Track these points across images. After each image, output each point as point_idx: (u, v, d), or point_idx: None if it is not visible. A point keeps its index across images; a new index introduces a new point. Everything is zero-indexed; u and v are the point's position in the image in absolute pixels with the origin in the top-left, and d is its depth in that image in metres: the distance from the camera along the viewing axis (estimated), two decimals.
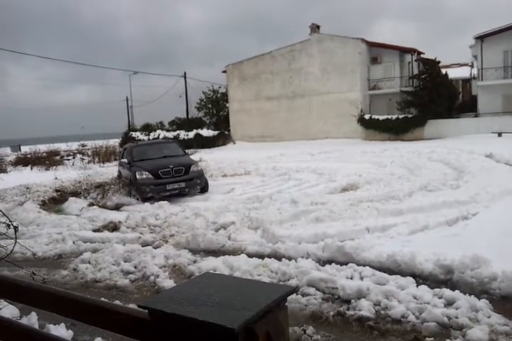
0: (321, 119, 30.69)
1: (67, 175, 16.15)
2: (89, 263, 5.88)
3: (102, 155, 23.24)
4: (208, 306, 1.19)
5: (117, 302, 4.22)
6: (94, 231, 7.85)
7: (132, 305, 3.46)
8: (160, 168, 10.97)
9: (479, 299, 3.96)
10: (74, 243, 6.97)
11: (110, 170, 17.14)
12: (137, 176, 10.76)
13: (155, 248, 6.37)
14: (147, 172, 10.83)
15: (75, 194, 12.64)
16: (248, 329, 1.13)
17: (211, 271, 4.96)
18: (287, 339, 1.36)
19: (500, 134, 22.94)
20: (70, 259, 6.30)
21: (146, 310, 1.23)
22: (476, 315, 3.72)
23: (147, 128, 38.11)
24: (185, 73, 40.04)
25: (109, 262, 5.77)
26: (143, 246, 6.44)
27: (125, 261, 5.80)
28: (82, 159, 24.24)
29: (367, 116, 28.83)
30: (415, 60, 30.09)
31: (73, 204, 10.91)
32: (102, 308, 1.45)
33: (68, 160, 24.69)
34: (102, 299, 3.94)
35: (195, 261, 5.60)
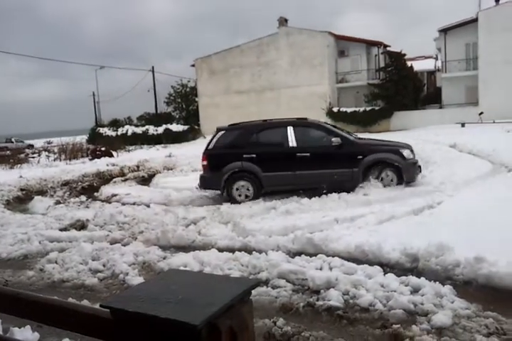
0: (291, 112, 30.70)
1: (32, 173, 15.70)
2: (56, 262, 5.75)
3: (69, 153, 22.66)
4: (171, 303, 1.18)
5: (85, 301, 4.16)
6: (61, 230, 7.67)
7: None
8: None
9: (443, 285, 4.09)
10: (40, 243, 6.79)
11: (77, 168, 16.78)
12: (405, 155, 8.47)
13: (124, 245, 6.28)
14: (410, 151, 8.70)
15: (41, 192, 12.32)
16: (211, 325, 1.14)
17: (181, 268, 4.94)
18: (252, 333, 1.37)
19: (463, 124, 23.64)
20: (36, 259, 6.15)
21: (109, 310, 1.22)
22: (440, 300, 3.85)
23: (115, 124, 37.47)
24: (153, 67, 39.53)
25: (76, 261, 5.66)
26: (111, 244, 6.35)
27: (93, 260, 5.70)
28: (48, 156, 23.58)
29: (335, 109, 29.19)
30: (381, 53, 30.61)
31: (39, 203, 10.63)
32: (65, 309, 1.42)
33: (33, 158, 23.96)
34: (70, 299, 3.87)
35: (165, 258, 5.57)
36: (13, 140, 44.24)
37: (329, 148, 8.53)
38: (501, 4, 27.33)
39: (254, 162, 8.72)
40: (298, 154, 8.60)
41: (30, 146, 38.09)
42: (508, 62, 25.48)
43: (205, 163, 9.11)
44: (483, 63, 26.53)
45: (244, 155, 8.76)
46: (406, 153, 8.48)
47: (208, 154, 9.09)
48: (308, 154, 8.57)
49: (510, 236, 4.95)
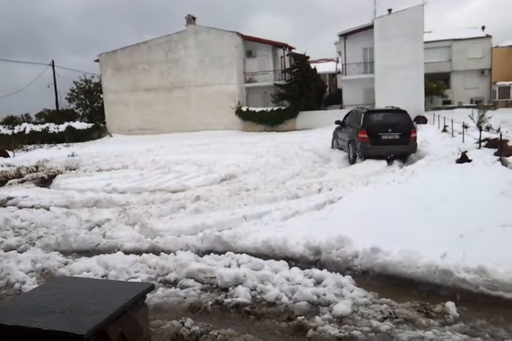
0: (201, 111, 30.71)
1: None
2: None
3: None
4: (56, 313, 1.12)
5: None
6: None
7: None
8: None
9: (344, 276, 4.32)
10: None
11: None
12: None
13: (20, 252, 5.83)
14: None
15: None
16: (100, 333, 1.09)
17: (84, 273, 4.70)
18: (147, 338, 1.34)
19: None
20: None
21: None
22: (341, 290, 4.06)
23: (11, 122, 34.52)
24: (53, 61, 36.96)
25: None
26: (6, 252, 5.85)
27: None
28: None
29: (244, 108, 29.60)
30: (287, 55, 31.60)
31: None
32: None
33: None
34: None
35: (66, 263, 5.25)
36: None
37: None
38: (393, 13, 29.57)
39: None
40: None
41: None
42: (399, 67, 27.66)
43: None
44: (379, 67, 28.53)
45: None
46: None
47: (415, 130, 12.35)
48: None
49: (402, 226, 5.38)
